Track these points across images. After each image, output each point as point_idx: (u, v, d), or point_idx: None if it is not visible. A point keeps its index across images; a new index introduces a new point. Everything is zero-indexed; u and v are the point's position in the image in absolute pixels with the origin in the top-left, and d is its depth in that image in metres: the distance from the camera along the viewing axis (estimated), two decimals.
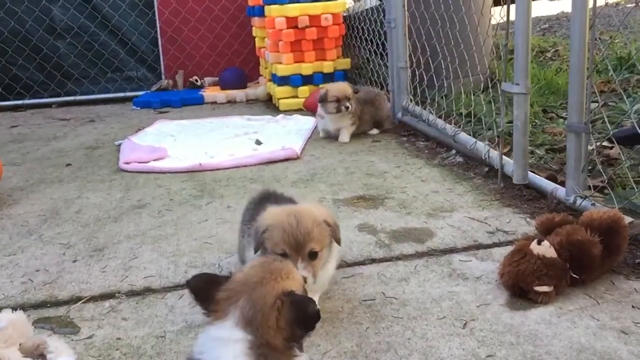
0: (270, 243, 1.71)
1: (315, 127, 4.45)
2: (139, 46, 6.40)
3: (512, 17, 3.21)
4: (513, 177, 2.72)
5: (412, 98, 4.24)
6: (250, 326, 1.18)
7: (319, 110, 4.08)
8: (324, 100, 3.95)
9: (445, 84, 4.00)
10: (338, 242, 1.81)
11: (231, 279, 1.29)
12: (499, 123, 2.83)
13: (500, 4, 3.44)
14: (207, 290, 1.26)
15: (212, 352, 1.19)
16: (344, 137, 4.02)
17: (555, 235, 1.98)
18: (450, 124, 3.59)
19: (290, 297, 1.21)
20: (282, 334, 1.20)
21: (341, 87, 4.00)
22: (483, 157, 3.03)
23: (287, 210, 1.76)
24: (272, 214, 1.76)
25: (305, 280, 1.54)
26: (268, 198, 2.04)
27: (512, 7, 2.98)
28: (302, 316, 1.20)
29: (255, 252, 1.75)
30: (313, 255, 1.71)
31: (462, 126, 3.48)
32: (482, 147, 3.10)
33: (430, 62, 4.00)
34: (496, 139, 3.00)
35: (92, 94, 6.31)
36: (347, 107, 3.87)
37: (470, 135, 3.35)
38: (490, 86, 3.97)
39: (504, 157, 2.92)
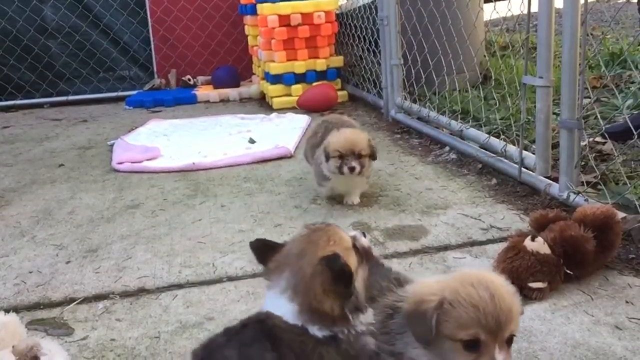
0: (453, 326, 1.21)
1: (309, 126, 4.44)
2: (131, 45, 6.36)
3: (505, 13, 3.22)
4: (535, 170, 2.72)
5: (407, 95, 4.25)
6: (296, 296, 1.24)
7: (323, 163, 2.73)
8: (326, 153, 2.68)
9: (437, 81, 4.00)
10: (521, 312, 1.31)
11: (280, 250, 1.34)
12: (520, 117, 2.81)
13: (491, 1, 3.44)
14: (266, 253, 1.35)
15: (272, 307, 1.27)
16: (353, 197, 2.81)
17: (549, 232, 1.99)
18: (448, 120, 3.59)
19: (324, 260, 1.24)
20: (331, 297, 1.23)
21: (349, 138, 2.67)
22: (499, 151, 3.01)
23: (465, 278, 1.27)
24: (447, 285, 1.26)
25: None
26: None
27: (501, 3, 2.99)
28: (334, 274, 1.23)
29: (425, 343, 1.26)
30: (510, 341, 1.24)
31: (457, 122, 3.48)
32: (496, 142, 3.08)
33: (427, 58, 3.99)
34: (515, 134, 2.99)
35: (84, 94, 6.26)
36: (353, 169, 2.60)
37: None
38: (489, 81, 3.96)
39: (507, 150, 2.92)
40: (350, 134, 2.71)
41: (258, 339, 1.22)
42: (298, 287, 1.25)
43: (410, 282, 1.43)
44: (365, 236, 1.41)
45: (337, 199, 2.86)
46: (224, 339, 1.26)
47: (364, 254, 1.37)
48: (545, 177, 2.68)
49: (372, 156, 2.71)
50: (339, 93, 5.25)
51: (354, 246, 1.35)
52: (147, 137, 4.33)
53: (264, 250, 1.37)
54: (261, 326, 1.24)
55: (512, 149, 2.91)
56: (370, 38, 4.83)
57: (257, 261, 1.38)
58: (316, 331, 1.23)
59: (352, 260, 1.30)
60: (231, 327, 1.29)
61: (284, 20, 5.04)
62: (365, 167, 2.67)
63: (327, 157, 2.66)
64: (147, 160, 3.72)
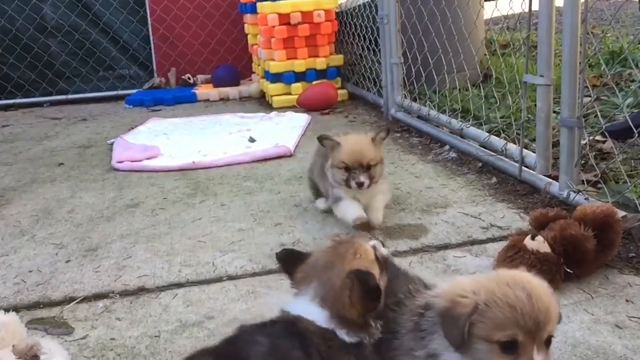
0: (489, 327, 1.18)
1: (309, 125, 4.44)
2: (131, 44, 6.36)
3: (506, 12, 3.21)
4: (536, 169, 2.71)
5: (407, 94, 4.24)
6: (325, 304, 1.31)
7: (329, 174, 2.51)
8: (333, 162, 2.45)
9: (437, 80, 3.99)
10: (559, 319, 1.28)
11: (307, 260, 1.40)
12: (520, 116, 2.80)
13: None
14: (291, 263, 1.41)
15: (302, 312, 1.33)
16: (377, 214, 2.50)
17: (549, 230, 1.99)
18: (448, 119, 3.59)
19: (355, 275, 1.30)
20: (357, 309, 1.30)
21: (356, 149, 2.41)
22: (500, 150, 3.01)
23: (501, 278, 1.24)
24: (482, 285, 1.22)
25: None
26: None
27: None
28: (366, 290, 1.29)
29: (456, 347, 1.21)
30: (548, 342, 1.21)
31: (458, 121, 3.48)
32: (497, 140, 3.07)
33: (427, 57, 3.99)
34: (515, 132, 2.98)
35: (84, 93, 6.26)
36: (362, 184, 2.37)
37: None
38: (489, 80, 3.95)
39: (507, 148, 2.92)
40: (356, 143, 2.42)
41: (288, 335, 1.27)
42: (327, 297, 1.31)
43: (434, 286, 1.41)
44: (383, 245, 1.46)
45: None
46: (254, 327, 1.31)
47: (383, 263, 1.41)
48: (545, 175, 2.68)
49: (385, 136, 2.49)
50: (339, 92, 5.24)
51: (375, 257, 1.39)
52: (146, 136, 4.33)
53: (289, 260, 1.42)
54: (291, 326, 1.29)
55: (512, 148, 2.91)
56: (370, 37, 4.83)
57: (283, 271, 1.44)
58: (345, 335, 1.29)
59: (376, 272, 1.35)
60: (260, 322, 1.33)
61: (284, 18, 5.03)
62: (375, 178, 2.41)
63: (333, 165, 2.43)
64: (147, 159, 3.72)
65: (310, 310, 1.31)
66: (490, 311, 1.17)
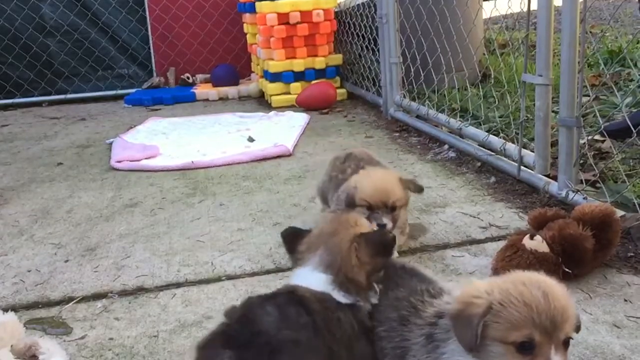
0: (505, 328, 1.14)
1: (308, 124, 4.44)
2: (130, 43, 6.36)
3: (505, 11, 3.21)
4: (534, 168, 2.71)
5: (405, 93, 4.24)
6: (331, 269, 1.40)
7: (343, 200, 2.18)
8: (350, 202, 2.10)
9: (436, 79, 3.99)
10: (579, 327, 1.23)
11: (310, 233, 1.51)
12: (519, 116, 2.79)
13: None
14: (294, 241, 1.52)
15: (302, 280, 1.42)
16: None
17: (548, 230, 1.99)
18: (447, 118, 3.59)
19: (363, 237, 1.43)
20: (365, 268, 1.41)
21: (381, 187, 2.08)
22: (498, 149, 3.00)
23: (515, 278, 1.21)
24: (497, 285, 1.19)
25: None
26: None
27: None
28: (380, 245, 1.43)
29: (469, 350, 1.19)
30: (567, 344, 1.17)
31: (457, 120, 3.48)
32: (496, 140, 3.07)
33: (426, 56, 3.99)
34: (514, 132, 2.98)
35: (83, 92, 6.26)
36: (383, 227, 2.01)
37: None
38: (488, 79, 3.96)
39: (506, 148, 2.92)
40: (382, 181, 2.10)
41: (293, 303, 1.33)
42: (334, 261, 1.41)
43: (444, 291, 1.37)
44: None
45: None
46: (260, 299, 1.36)
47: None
48: (544, 175, 2.68)
49: (419, 191, 2.21)
50: (338, 91, 5.24)
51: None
52: (146, 136, 4.33)
53: (293, 239, 1.52)
54: (292, 295, 1.37)
55: (511, 147, 2.91)
56: (369, 36, 4.83)
57: (287, 250, 1.54)
58: (341, 297, 1.38)
59: None
60: (265, 295, 1.40)
61: (283, 18, 5.03)
62: (399, 222, 2.10)
63: (351, 204, 2.10)
64: (146, 158, 3.72)
65: (311, 277, 1.40)
66: (505, 311, 1.14)
